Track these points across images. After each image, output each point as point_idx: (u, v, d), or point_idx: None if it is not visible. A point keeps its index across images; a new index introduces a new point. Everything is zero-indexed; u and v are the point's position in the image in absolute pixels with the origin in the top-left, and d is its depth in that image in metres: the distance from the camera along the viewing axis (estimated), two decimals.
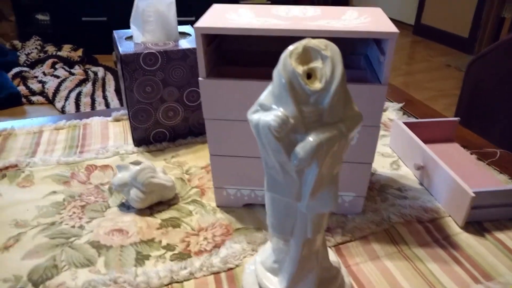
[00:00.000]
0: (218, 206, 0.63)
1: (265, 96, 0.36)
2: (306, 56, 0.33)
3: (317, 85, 0.33)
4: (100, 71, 2.66)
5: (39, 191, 0.66)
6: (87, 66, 2.82)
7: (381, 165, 0.74)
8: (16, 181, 0.68)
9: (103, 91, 2.47)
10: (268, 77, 0.52)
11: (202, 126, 0.79)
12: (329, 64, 0.33)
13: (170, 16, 0.71)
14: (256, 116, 0.36)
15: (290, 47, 0.33)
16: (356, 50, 0.62)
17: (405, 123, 0.75)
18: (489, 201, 0.59)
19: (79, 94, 2.37)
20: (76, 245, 0.56)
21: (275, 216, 0.42)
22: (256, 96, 0.51)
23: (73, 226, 0.59)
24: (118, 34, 0.76)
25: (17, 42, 2.99)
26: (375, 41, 0.54)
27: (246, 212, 0.62)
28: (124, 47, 0.69)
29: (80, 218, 0.61)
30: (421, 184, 0.69)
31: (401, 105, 0.94)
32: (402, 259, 0.54)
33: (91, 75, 2.61)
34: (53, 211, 0.62)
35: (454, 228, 0.60)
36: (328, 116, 0.34)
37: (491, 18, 2.96)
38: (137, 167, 0.61)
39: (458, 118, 0.77)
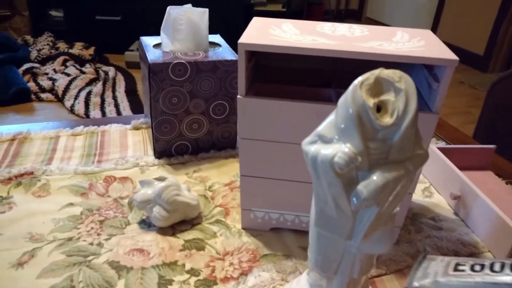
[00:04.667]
0: (243, 228, 0.60)
1: (325, 126, 0.32)
2: (377, 87, 0.30)
3: (388, 120, 0.30)
4: (111, 71, 2.64)
5: (55, 202, 0.63)
6: (98, 65, 2.80)
7: None
8: (32, 190, 0.65)
9: (113, 91, 2.45)
10: (308, 96, 0.49)
11: (226, 140, 0.76)
12: (403, 98, 0.30)
13: (202, 25, 0.68)
14: (314, 148, 0.32)
15: (361, 78, 0.30)
16: None
17: (439, 149, 0.72)
18: None
19: (89, 93, 2.35)
20: (94, 265, 0.53)
21: (320, 252, 0.39)
22: (297, 117, 0.49)
23: (91, 243, 0.56)
24: (145, 40, 0.73)
25: (29, 38, 2.97)
26: (425, 66, 0.51)
27: (273, 237, 0.59)
28: (153, 55, 0.66)
29: (98, 235, 0.58)
30: (456, 214, 0.65)
31: None
32: None
33: (102, 74, 2.59)
34: (70, 225, 0.59)
35: None
36: (395, 154, 0.31)
37: (507, 37, 2.93)
38: (162, 184, 0.58)
39: (494, 146, 0.74)
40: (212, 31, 0.71)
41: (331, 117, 0.32)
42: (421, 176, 0.75)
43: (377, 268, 0.54)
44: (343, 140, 0.31)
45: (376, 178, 0.31)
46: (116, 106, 2.29)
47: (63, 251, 0.54)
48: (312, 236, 0.39)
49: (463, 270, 0.44)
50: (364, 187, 0.31)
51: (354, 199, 0.31)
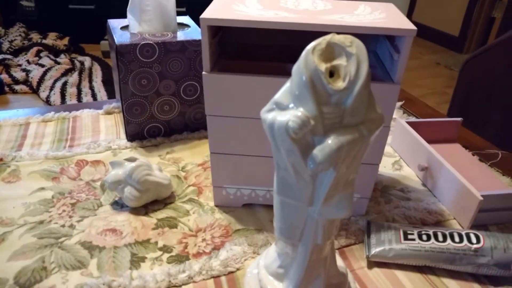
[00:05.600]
0: (216, 206, 0.61)
1: (282, 94, 0.33)
2: (329, 52, 0.31)
3: (340, 84, 0.30)
4: (87, 61, 2.59)
5: (26, 187, 0.62)
6: (73, 55, 2.74)
7: (383, 165, 0.72)
8: (1, 176, 0.64)
9: (90, 81, 2.41)
10: (273, 72, 0.50)
11: (198, 121, 0.76)
12: (354, 62, 0.30)
13: (169, 6, 0.67)
14: (271, 116, 0.33)
15: (313, 43, 0.30)
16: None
17: (408, 123, 0.73)
18: (495, 205, 0.57)
19: (64, 84, 2.30)
20: (66, 246, 0.53)
21: (283, 221, 0.40)
22: (262, 92, 0.49)
23: (63, 225, 0.56)
24: (112, 23, 0.72)
25: (0, 29, 2.89)
26: (387, 38, 0.52)
27: (245, 212, 0.60)
28: (120, 37, 0.65)
29: (70, 217, 0.57)
30: (424, 185, 0.67)
31: (401, 103, 0.92)
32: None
33: (78, 64, 2.54)
34: (41, 208, 0.59)
35: None
36: (349, 118, 0.32)
37: (481, 18, 2.97)
38: (132, 164, 0.58)
39: (461, 118, 0.76)
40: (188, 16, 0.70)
41: (287, 85, 0.33)
42: (391, 150, 0.77)
43: (346, 238, 0.56)
44: (297, 106, 0.31)
45: (330, 142, 0.31)
46: (93, 96, 2.25)
47: (34, 234, 0.54)
48: (276, 205, 0.40)
49: (413, 239, 0.51)
50: (319, 151, 0.32)
51: (310, 163, 0.32)
